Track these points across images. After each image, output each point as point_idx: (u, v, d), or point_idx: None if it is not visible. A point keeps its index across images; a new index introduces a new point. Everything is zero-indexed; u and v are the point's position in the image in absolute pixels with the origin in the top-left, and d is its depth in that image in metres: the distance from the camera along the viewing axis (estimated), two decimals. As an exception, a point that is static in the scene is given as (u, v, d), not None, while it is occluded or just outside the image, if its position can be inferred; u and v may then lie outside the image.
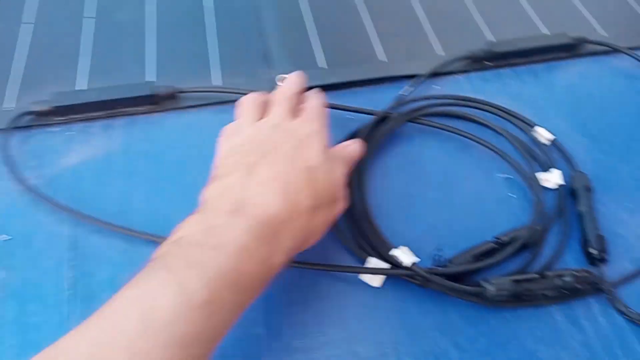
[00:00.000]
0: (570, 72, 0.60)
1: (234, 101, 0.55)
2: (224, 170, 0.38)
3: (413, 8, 0.66)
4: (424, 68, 0.58)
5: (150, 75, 0.58)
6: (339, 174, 0.41)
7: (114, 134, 0.54)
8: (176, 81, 0.56)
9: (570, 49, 0.61)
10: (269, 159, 0.38)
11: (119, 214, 0.47)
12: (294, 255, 0.38)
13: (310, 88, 0.53)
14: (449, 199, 0.50)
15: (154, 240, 0.45)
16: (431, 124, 0.54)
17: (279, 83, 0.55)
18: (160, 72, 0.58)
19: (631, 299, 0.44)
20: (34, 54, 0.59)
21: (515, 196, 0.50)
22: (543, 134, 0.53)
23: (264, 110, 0.44)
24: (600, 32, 0.64)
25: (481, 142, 0.52)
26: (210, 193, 0.37)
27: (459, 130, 0.53)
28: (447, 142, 0.53)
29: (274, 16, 0.63)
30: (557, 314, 0.43)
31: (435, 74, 0.58)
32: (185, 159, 0.52)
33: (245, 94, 0.55)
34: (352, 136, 0.53)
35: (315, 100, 0.45)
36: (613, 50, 0.62)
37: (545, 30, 0.64)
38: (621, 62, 0.62)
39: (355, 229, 0.47)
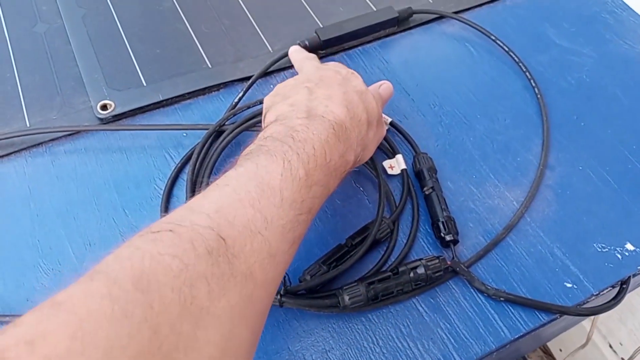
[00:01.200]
0: (403, 46, 0.60)
1: (49, 141, 0.50)
2: (283, 96, 0.42)
3: (236, 4, 0.62)
4: (255, 68, 0.54)
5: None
6: (379, 103, 0.44)
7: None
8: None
9: (399, 22, 0.60)
10: (324, 85, 0.41)
11: None
12: (356, 165, 0.42)
13: (137, 109, 0.49)
14: (299, 205, 0.47)
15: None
16: (269, 128, 0.51)
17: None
18: (-42, 121, 0.50)
19: (489, 273, 0.44)
20: None
21: (362, 189, 0.48)
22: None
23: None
24: (426, -1, 0.64)
25: (322, 138, 0.50)
26: (279, 110, 0.40)
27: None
28: (289, 145, 0.51)
29: (83, 35, 0.57)
30: (420, 305, 0.42)
31: (268, 73, 0.55)
32: (3, 218, 0.46)
33: (61, 131, 0.50)
34: (189, 157, 0.49)
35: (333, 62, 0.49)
36: (441, 16, 0.62)
37: (373, 7, 0.62)
38: (451, 27, 0.62)
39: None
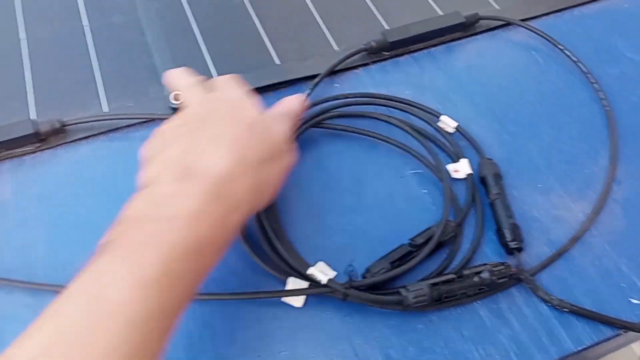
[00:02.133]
0: (468, 51, 0.60)
1: (125, 127, 0.52)
2: (161, 146, 0.36)
3: (303, 4, 0.63)
4: (321, 66, 0.55)
5: (32, 111, 0.53)
6: (281, 127, 0.40)
7: (2, 179, 0.49)
8: (61, 113, 0.52)
9: (465, 28, 0.60)
10: (208, 123, 0.36)
11: (21, 267, 0.44)
12: (250, 215, 0.37)
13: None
14: (362, 203, 0.48)
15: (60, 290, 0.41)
16: (336, 127, 0.52)
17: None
18: (42, 105, 0.53)
19: (552, 283, 0.44)
20: None
21: (426, 191, 0.49)
22: (447, 122, 0.52)
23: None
24: (494, 6, 0.64)
25: (387, 139, 0.51)
26: (152, 169, 0.35)
27: (365, 130, 0.51)
28: (354, 144, 0.52)
29: (157, 29, 0.59)
30: (482, 310, 0.42)
31: (333, 72, 0.56)
32: (81, 196, 0.48)
33: (136, 118, 0.51)
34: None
35: (223, 77, 0.43)
36: (508, 23, 0.61)
37: (440, 12, 0.63)
38: (517, 34, 0.61)
39: (271, 249, 0.44)
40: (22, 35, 0.58)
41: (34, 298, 0.42)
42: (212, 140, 0.35)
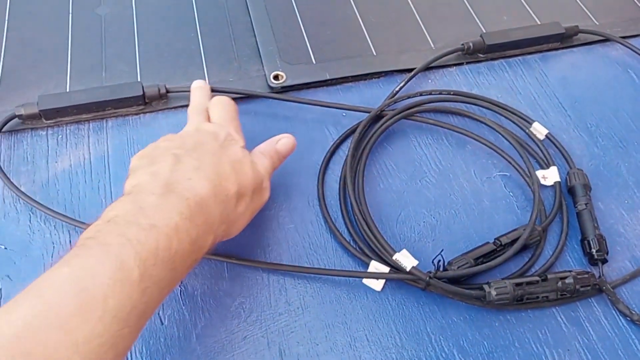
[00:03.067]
0: (564, 62, 0.60)
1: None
2: (150, 160, 0.39)
3: (403, 0, 0.64)
4: (416, 61, 0.57)
5: (138, 75, 0.56)
6: (262, 166, 0.42)
7: (106, 136, 0.52)
8: (165, 79, 0.55)
9: (563, 39, 0.60)
10: (195, 153, 0.39)
11: None
12: (220, 241, 0.40)
13: (304, 84, 0.52)
14: (447, 197, 0.49)
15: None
16: (427, 120, 0.53)
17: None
18: (146, 70, 0.56)
19: (633, 299, 0.44)
20: (12, 54, 0.57)
21: (512, 194, 0.49)
22: (538, 129, 0.52)
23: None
24: (593, 20, 0.63)
25: (477, 138, 0.51)
26: (139, 179, 0.38)
27: (455, 126, 0.52)
28: (444, 139, 0.53)
29: (262, 10, 0.61)
30: (559, 315, 0.43)
31: (428, 68, 0.57)
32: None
33: (236, 93, 0.54)
34: (347, 135, 0.52)
35: (221, 109, 0.46)
36: (606, 39, 0.61)
37: (538, 20, 0.63)
38: (615, 51, 0.61)
39: (356, 232, 0.46)
40: (133, 2, 0.62)
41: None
42: (197, 169, 0.38)
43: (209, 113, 0.46)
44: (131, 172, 0.40)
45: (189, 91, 0.54)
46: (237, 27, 0.60)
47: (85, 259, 0.31)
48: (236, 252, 0.45)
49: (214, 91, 0.54)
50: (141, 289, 0.31)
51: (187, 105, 0.54)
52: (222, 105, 0.46)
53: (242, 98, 0.54)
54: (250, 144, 0.49)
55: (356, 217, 0.45)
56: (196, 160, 0.38)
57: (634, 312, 0.42)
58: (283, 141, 0.46)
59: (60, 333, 0.28)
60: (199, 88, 0.49)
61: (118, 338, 0.30)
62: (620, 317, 0.43)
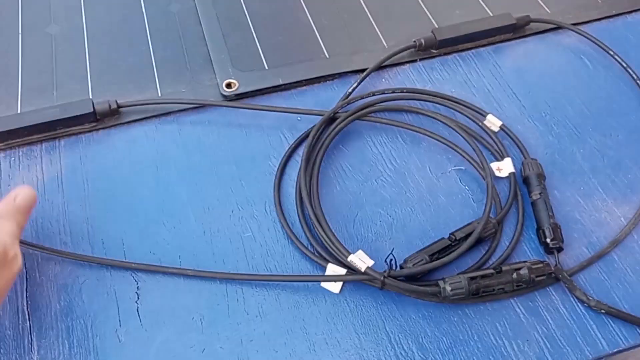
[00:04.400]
0: (517, 53, 0.60)
1: (177, 112, 0.54)
2: None
3: (355, 1, 0.64)
4: (369, 61, 0.56)
5: (90, 92, 0.55)
6: (4, 233, 0.38)
7: (59, 156, 0.52)
8: (118, 95, 0.54)
9: (515, 29, 0.60)
10: None
11: (70, 240, 0.46)
12: None
13: (257, 90, 0.53)
14: (403, 195, 0.49)
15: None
16: (381, 120, 0.53)
17: None
18: (98, 86, 0.56)
19: (591, 285, 0.44)
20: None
21: (468, 188, 0.49)
22: (493, 121, 0.52)
23: None
24: (545, 9, 0.64)
25: (432, 135, 0.52)
26: None
27: (409, 124, 0.52)
28: (398, 137, 0.53)
29: (213, 19, 0.61)
30: (518, 306, 0.43)
31: (381, 67, 0.57)
32: (133, 176, 0.50)
33: (189, 103, 0.53)
34: (302, 139, 0.52)
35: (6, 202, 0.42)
36: (558, 27, 0.61)
37: (490, 12, 0.63)
38: (568, 38, 0.61)
39: (313, 236, 0.46)
40: (83, 19, 0.61)
41: (82, 270, 0.45)
42: None
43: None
44: None
45: (142, 104, 0.54)
46: (189, 37, 0.60)
47: None
48: (193, 264, 0.45)
49: (166, 103, 0.54)
50: None
51: (140, 120, 0.54)
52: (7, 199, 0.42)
53: (195, 108, 0.54)
54: (207, 156, 0.49)
55: (312, 221, 0.45)
56: None
57: (591, 298, 0.42)
58: (21, 196, 0.42)
59: None
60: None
61: None
62: (578, 304, 0.43)
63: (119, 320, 0.42)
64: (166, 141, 0.52)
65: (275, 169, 0.50)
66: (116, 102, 0.53)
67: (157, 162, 0.51)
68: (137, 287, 0.44)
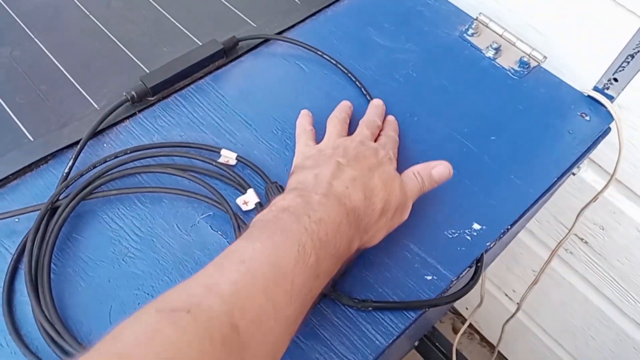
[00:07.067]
0: (236, 76, 0.59)
1: None
2: (314, 162, 0.44)
3: (50, 66, 0.57)
4: (83, 130, 0.51)
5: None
6: (410, 189, 0.45)
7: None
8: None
9: (226, 53, 0.60)
10: (355, 164, 0.43)
11: None
12: (363, 248, 0.43)
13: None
14: (157, 266, 0.45)
15: None
16: (111, 192, 0.48)
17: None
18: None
19: (354, 286, 0.45)
20: None
21: (221, 233, 0.47)
22: (228, 155, 0.51)
23: (347, 126, 0.53)
24: (251, 24, 0.64)
25: (170, 190, 0.49)
26: (303, 177, 0.42)
27: (144, 187, 0.49)
28: (137, 204, 0.49)
29: None
30: (295, 337, 0.42)
31: (98, 132, 0.52)
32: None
33: None
34: (20, 253, 0.45)
35: (391, 130, 0.53)
36: (266, 39, 0.62)
37: (199, 41, 0.61)
38: (280, 47, 0.62)
39: (62, 350, 0.40)
40: None
41: None
42: (354, 179, 0.41)
43: (382, 126, 0.53)
44: (296, 169, 0.45)
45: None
46: None
47: (274, 236, 0.36)
48: None
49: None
50: (316, 275, 0.35)
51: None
52: (394, 128, 0.54)
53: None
54: None
55: (53, 338, 0.40)
56: (355, 170, 0.42)
57: (356, 300, 0.44)
58: (439, 169, 0.47)
59: (264, 297, 0.32)
60: (377, 106, 0.55)
61: (299, 315, 0.35)
62: (349, 310, 0.44)
63: None
64: None
65: (0, 293, 0.43)
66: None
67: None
68: None
